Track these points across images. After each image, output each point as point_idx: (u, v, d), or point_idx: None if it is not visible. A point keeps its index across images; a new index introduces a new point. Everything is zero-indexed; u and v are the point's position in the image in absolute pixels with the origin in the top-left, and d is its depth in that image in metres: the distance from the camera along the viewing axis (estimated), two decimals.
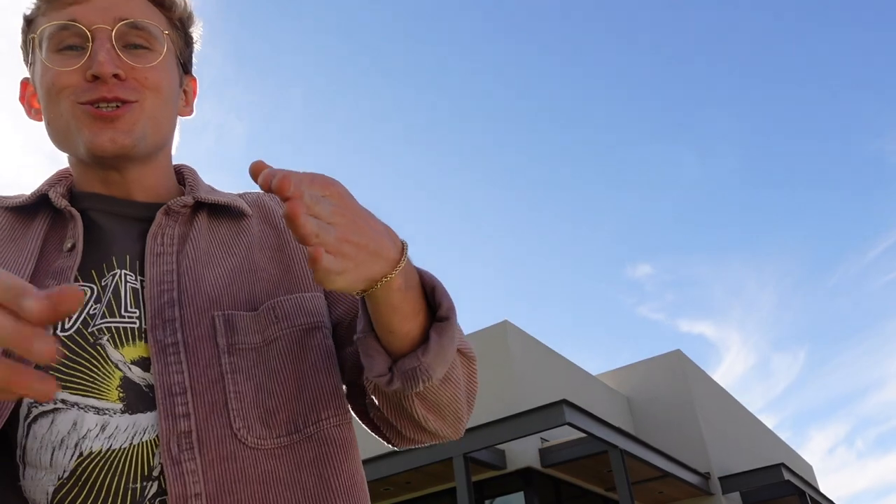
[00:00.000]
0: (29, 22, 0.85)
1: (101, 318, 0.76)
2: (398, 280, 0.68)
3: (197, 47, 0.94)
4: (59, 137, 0.83)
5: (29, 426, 0.70)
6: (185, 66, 0.92)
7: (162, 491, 0.69)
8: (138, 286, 0.79)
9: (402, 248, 0.69)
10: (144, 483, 0.69)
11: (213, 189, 0.93)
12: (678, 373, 13.18)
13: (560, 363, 11.65)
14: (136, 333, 0.76)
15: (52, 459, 0.69)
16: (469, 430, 8.58)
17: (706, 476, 11.89)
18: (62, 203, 0.83)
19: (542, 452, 9.66)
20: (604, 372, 13.71)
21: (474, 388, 0.85)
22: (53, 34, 0.81)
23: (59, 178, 0.89)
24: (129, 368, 0.74)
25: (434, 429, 0.81)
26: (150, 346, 0.75)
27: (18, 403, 0.71)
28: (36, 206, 0.85)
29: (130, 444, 0.70)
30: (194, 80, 0.95)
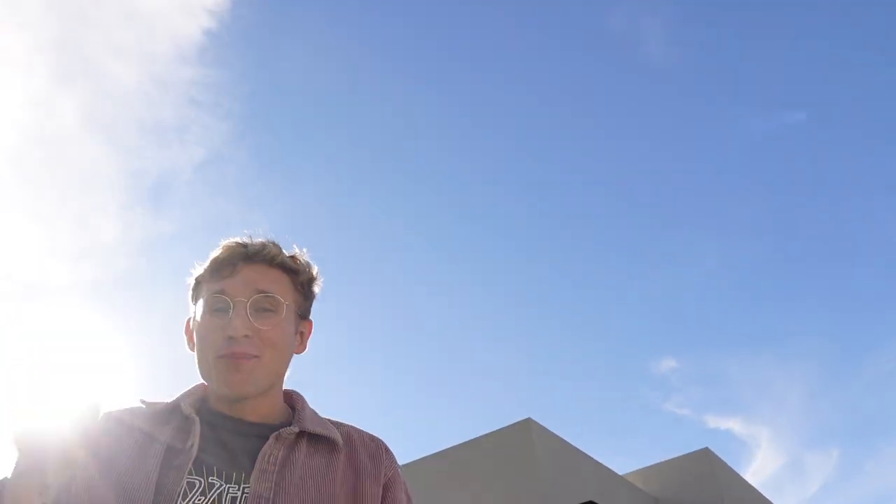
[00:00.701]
0: (197, 283, 1.16)
1: None
2: None
3: (317, 297, 1.22)
4: (203, 373, 1.12)
5: None
6: (303, 315, 1.19)
7: None
8: (238, 495, 1.03)
9: None
10: None
11: (315, 415, 1.17)
12: (707, 472, 12.75)
13: (586, 462, 11.31)
14: None
15: None
16: None
17: None
18: (189, 411, 1.09)
19: None
20: (631, 471, 13.28)
21: None
22: (208, 298, 1.11)
23: (193, 391, 1.16)
24: None
25: None
26: None
27: None
28: (174, 410, 1.12)
29: None
30: (310, 323, 1.21)
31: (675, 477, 12.92)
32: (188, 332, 1.16)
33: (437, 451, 11.00)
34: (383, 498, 1.15)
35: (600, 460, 11.70)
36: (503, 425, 10.58)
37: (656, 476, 13.09)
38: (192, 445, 1.04)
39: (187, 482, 1.02)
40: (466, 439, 10.82)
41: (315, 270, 1.20)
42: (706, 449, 13.08)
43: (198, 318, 1.12)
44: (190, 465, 1.03)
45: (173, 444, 1.06)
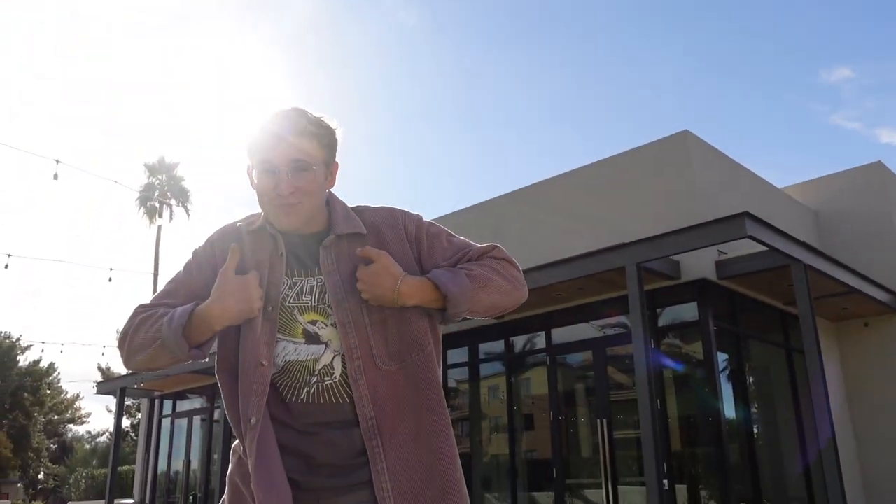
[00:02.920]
0: (249, 149, 1.55)
1: (293, 300, 1.55)
2: (411, 301, 1.53)
3: (339, 145, 1.60)
4: (264, 211, 1.57)
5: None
6: (330, 161, 1.58)
7: (318, 381, 1.51)
8: (314, 284, 1.56)
9: (399, 284, 1.50)
10: (311, 377, 1.52)
11: (347, 214, 1.61)
12: (876, 185, 12.16)
13: (742, 174, 11.10)
14: (309, 308, 1.54)
15: (275, 361, 1.53)
16: (642, 241, 8.59)
17: None
18: (274, 231, 1.57)
19: (719, 265, 9.54)
20: (790, 185, 12.93)
21: (509, 290, 1.58)
22: (260, 163, 1.53)
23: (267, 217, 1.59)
24: (306, 324, 1.54)
25: (495, 313, 1.61)
26: (337, 323, 1.52)
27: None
28: (262, 230, 1.59)
29: (306, 358, 1.53)
30: (336, 164, 1.61)
31: (838, 190, 12.46)
32: (249, 174, 1.57)
33: (596, 160, 11.16)
34: (420, 246, 1.61)
35: (759, 174, 11.44)
36: (659, 137, 10.45)
37: (818, 190, 12.69)
38: (282, 254, 1.57)
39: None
40: (624, 150, 10.85)
41: (335, 126, 1.58)
42: (878, 162, 12.35)
43: (254, 175, 1.55)
44: (284, 267, 1.56)
45: (271, 252, 1.58)
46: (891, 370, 11.26)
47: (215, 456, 15.12)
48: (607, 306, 9.94)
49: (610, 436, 9.55)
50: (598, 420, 9.71)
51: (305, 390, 1.50)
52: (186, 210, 36.06)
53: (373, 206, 1.66)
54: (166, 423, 17.74)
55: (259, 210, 1.60)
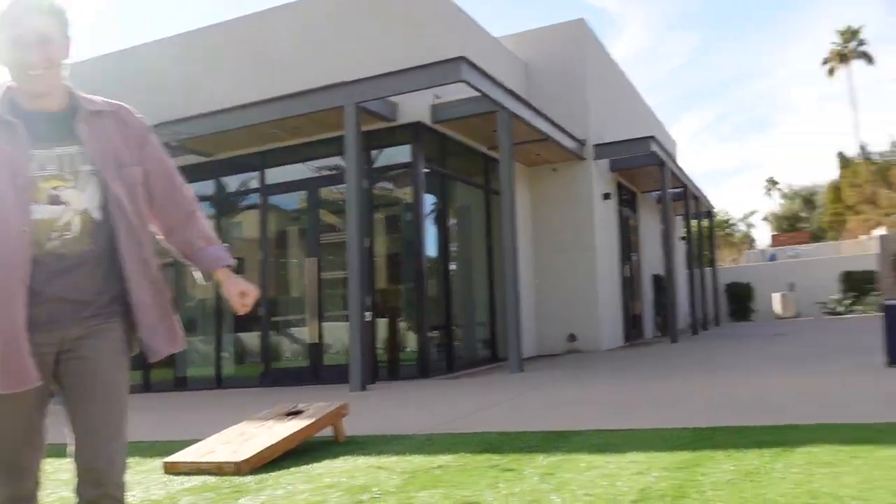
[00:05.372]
0: None
1: (35, 171, 1.73)
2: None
3: (72, 27, 1.85)
4: (17, 81, 1.78)
5: None
6: (66, 35, 1.84)
7: (59, 236, 1.73)
8: (53, 155, 1.76)
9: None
10: (52, 233, 1.73)
11: (87, 96, 1.86)
12: (577, 42, 13.11)
13: (462, 20, 11.21)
14: (51, 176, 1.75)
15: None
16: (362, 80, 8.40)
17: (582, 142, 12.57)
18: (11, 118, 1.75)
19: (434, 109, 9.73)
20: (505, 35, 13.41)
21: None
22: (10, 38, 1.75)
23: (2, 99, 1.80)
24: (49, 190, 1.74)
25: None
26: (103, 180, 1.80)
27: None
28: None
29: (48, 217, 1.73)
30: (69, 39, 1.83)
31: (546, 44, 13.22)
32: None
33: None
34: (144, 145, 1.91)
35: (478, 21, 11.64)
36: None
37: (529, 41, 13.34)
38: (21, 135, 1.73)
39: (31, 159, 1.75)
40: None
41: (67, 6, 1.80)
42: (581, 19, 13.25)
43: (4, 50, 1.75)
44: (30, 149, 1.74)
45: (11, 136, 1.74)
46: (571, 211, 12.77)
47: None
48: (323, 147, 9.75)
49: (319, 275, 9.69)
50: (308, 260, 9.77)
51: (49, 244, 1.72)
52: None
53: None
54: None
55: None
